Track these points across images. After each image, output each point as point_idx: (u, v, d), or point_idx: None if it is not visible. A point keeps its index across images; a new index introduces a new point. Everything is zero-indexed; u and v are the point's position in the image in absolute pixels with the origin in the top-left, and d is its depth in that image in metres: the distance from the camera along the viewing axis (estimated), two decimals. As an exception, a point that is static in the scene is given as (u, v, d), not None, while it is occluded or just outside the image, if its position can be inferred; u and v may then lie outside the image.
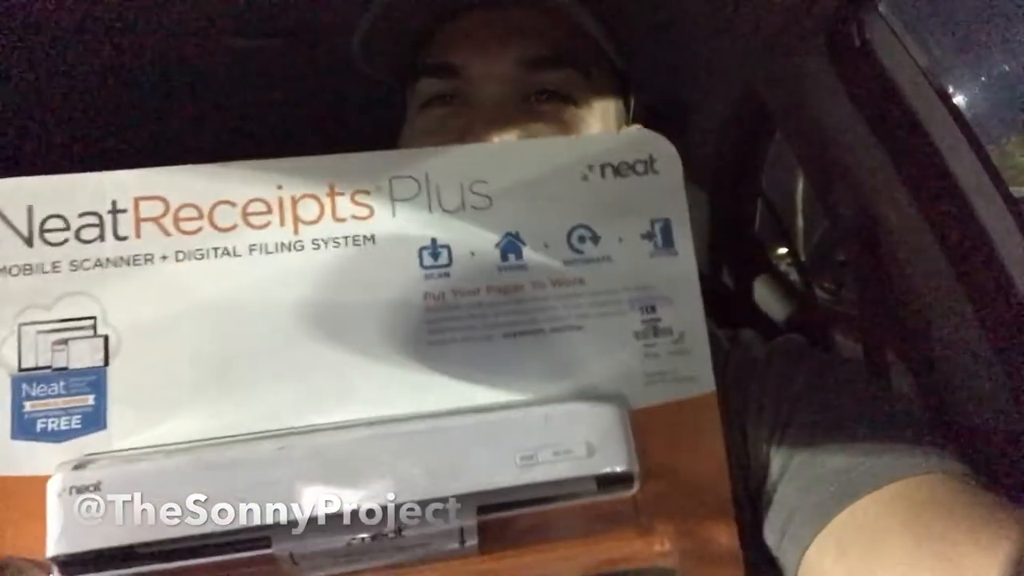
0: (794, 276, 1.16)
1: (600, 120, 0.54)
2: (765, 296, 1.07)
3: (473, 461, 0.33)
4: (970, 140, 0.58)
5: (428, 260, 0.36)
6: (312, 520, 0.31)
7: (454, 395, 0.35)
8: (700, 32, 0.74)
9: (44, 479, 0.32)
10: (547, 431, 0.34)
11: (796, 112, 0.73)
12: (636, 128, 0.50)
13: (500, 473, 0.33)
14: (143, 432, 0.34)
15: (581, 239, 0.38)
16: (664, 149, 0.39)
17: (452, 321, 0.36)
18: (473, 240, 0.37)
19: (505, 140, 0.48)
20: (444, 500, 0.32)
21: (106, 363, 0.34)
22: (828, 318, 1.01)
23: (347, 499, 0.31)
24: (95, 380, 0.34)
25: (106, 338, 0.34)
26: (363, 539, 0.32)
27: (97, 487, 0.31)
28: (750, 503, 0.46)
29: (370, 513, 0.31)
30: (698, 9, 0.69)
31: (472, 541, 0.34)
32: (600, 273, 0.37)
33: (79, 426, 0.33)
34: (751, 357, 0.52)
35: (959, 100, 0.60)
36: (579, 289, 0.37)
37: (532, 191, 0.38)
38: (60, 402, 0.33)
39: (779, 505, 0.44)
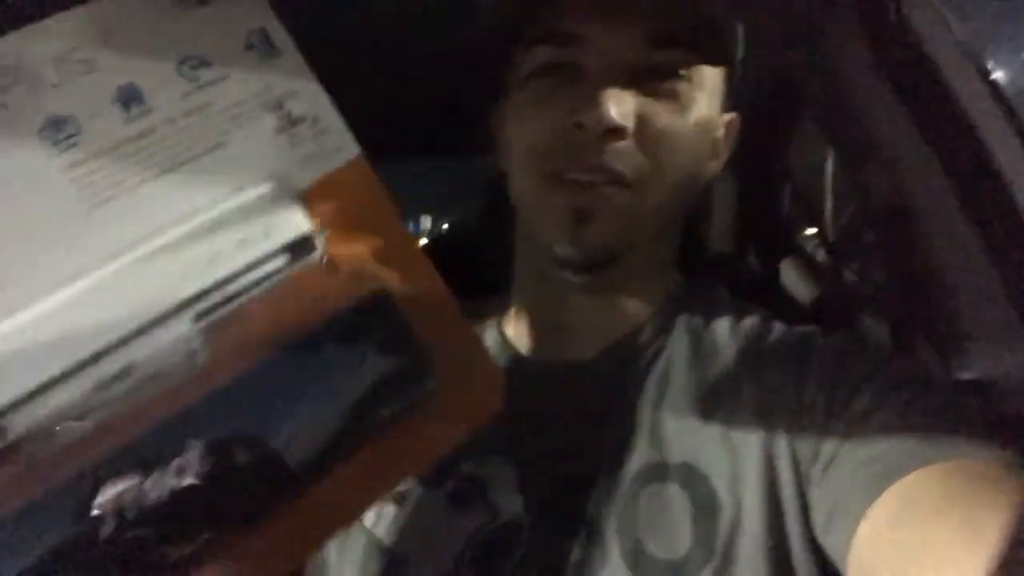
0: (822, 257, 1.14)
1: (709, 96, 0.54)
2: (792, 278, 1.05)
3: (172, 275, 0.35)
4: (1010, 118, 0.56)
5: (54, 136, 0.37)
6: (45, 387, 0.32)
7: (132, 239, 0.36)
8: (723, 6, 0.72)
9: None
10: (224, 231, 0.37)
11: (826, 89, 0.71)
12: None
13: (195, 279, 0.35)
14: None
15: (193, 67, 0.39)
16: None
17: (103, 180, 0.37)
18: (89, 103, 0.37)
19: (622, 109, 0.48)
20: (166, 316, 0.34)
21: None
22: (856, 300, 0.99)
23: (75, 351, 0.33)
24: None
25: None
26: (100, 384, 0.33)
27: None
28: (799, 499, 0.46)
29: (98, 356, 0.33)
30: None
31: (198, 346, 0.35)
32: (222, 92, 0.39)
33: None
34: (811, 345, 0.53)
35: (999, 76, 0.58)
36: (209, 112, 0.39)
37: (129, 41, 0.39)
38: None
39: (827, 488, 0.44)
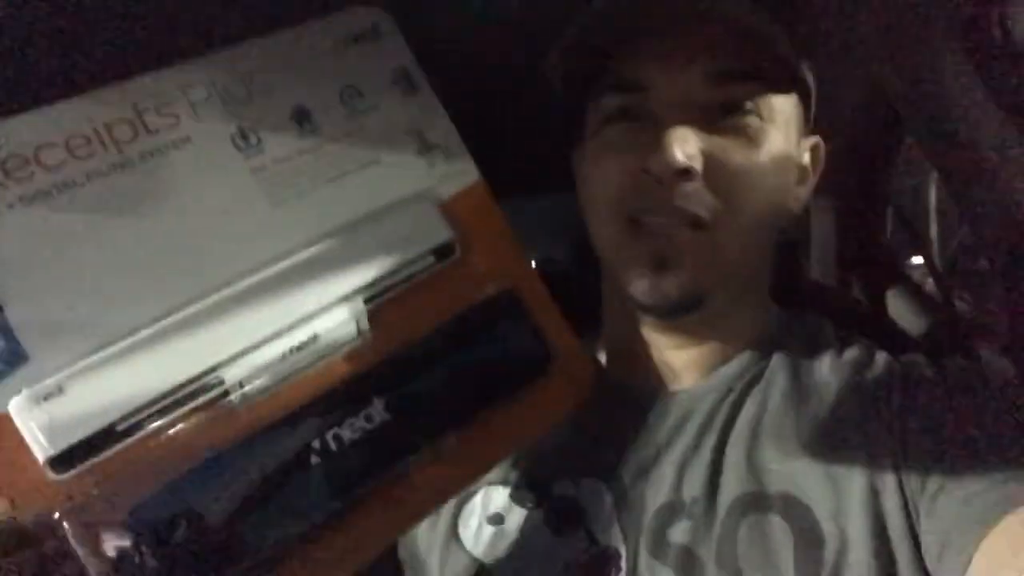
0: (930, 287, 1.09)
1: (783, 131, 0.53)
2: (901, 309, 1.01)
3: (348, 264, 0.43)
4: None
5: (241, 144, 0.44)
6: (250, 348, 0.40)
7: (310, 233, 0.44)
8: (823, 29, 0.71)
9: None
10: (385, 234, 0.45)
11: (930, 111, 0.68)
12: (359, 7, 0.51)
13: (366, 270, 0.43)
14: (63, 348, 0.38)
15: (351, 97, 0.47)
16: (380, 16, 0.49)
17: (282, 183, 0.44)
18: (271, 119, 0.44)
19: (689, 147, 0.49)
20: (341, 300, 0.42)
21: (1, 309, 0.37)
22: (971, 331, 0.94)
23: (268, 322, 0.40)
24: None
25: None
26: (291, 350, 0.41)
27: (60, 390, 0.36)
28: (907, 531, 0.45)
29: (291, 328, 0.41)
30: (823, 6, 0.66)
31: (365, 327, 0.44)
32: (374, 119, 0.47)
33: (3, 366, 0.37)
34: (917, 374, 0.52)
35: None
36: (364, 134, 0.46)
37: (301, 71, 0.46)
38: None
39: (939, 518, 0.43)
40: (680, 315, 0.53)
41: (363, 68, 0.47)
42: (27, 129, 0.39)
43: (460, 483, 0.49)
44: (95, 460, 0.37)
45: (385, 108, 0.47)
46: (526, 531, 0.54)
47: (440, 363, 0.46)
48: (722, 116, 0.51)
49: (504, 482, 0.57)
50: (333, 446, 0.41)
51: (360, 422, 0.42)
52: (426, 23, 0.64)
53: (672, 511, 0.51)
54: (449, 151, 0.49)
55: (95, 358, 0.38)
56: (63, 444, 0.36)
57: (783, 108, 0.53)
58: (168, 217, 0.41)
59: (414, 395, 0.44)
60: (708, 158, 0.50)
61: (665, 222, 0.51)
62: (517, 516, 0.55)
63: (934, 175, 1.09)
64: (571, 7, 0.52)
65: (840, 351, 0.57)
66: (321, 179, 0.45)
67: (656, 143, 0.49)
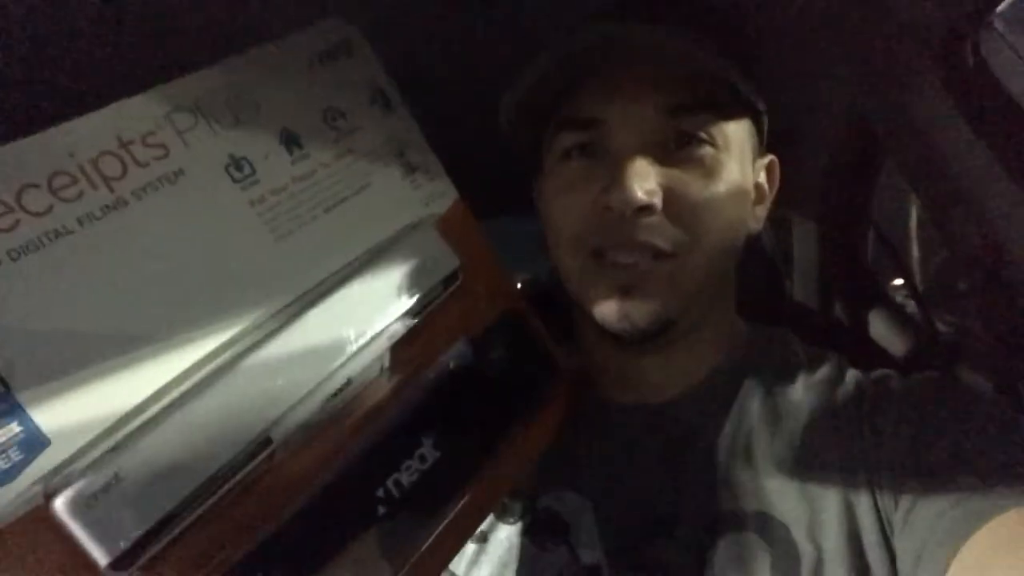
0: (912, 308, 1.10)
1: (738, 158, 0.54)
2: (882, 330, 1.02)
3: (370, 311, 0.42)
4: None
5: (236, 174, 0.41)
6: (296, 405, 0.38)
7: (318, 268, 0.42)
8: (803, 58, 0.72)
9: (24, 521, 0.32)
10: (398, 266, 0.43)
11: (907, 136, 0.69)
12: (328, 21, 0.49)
13: (389, 308, 0.42)
14: (85, 425, 0.34)
15: (334, 118, 0.45)
16: (350, 31, 0.47)
17: (283, 215, 0.42)
18: (260, 144, 0.42)
19: (643, 178, 0.49)
20: (369, 342, 0.41)
21: (8, 388, 0.33)
22: (953, 352, 0.95)
23: (309, 376, 0.39)
24: (9, 407, 0.33)
25: None
26: (328, 398, 0.39)
27: (112, 481, 0.33)
28: (883, 545, 0.46)
29: (330, 376, 0.39)
30: (799, 34, 0.67)
31: (387, 364, 0.43)
32: (359, 141, 0.45)
33: (23, 455, 0.33)
34: (887, 389, 0.53)
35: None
36: (353, 158, 0.45)
37: (282, 91, 0.43)
38: None
39: (912, 532, 0.44)
40: (647, 341, 0.54)
41: (340, 87, 0.46)
42: (2, 169, 0.34)
43: (490, 506, 0.48)
44: (154, 549, 0.34)
45: (367, 128, 0.46)
46: (510, 547, 0.55)
47: (468, 391, 0.46)
48: (677, 147, 0.52)
49: None
50: (396, 493, 0.41)
51: (416, 463, 0.42)
52: (407, 40, 0.64)
53: (653, 529, 0.52)
54: (429, 170, 0.48)
55: (133, 434, 0.34)
56: (125, 543, 0.33)
57: (736, 134, 0.54)
58: (174, 264, 0.38)
59: (457, 426, 0.45)
60: (667, 191, 0.51)
61: (630, 258, 0.52)
62: (501, 533, 0.55)
63: (915, 197, 1.10)
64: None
65: (811, 368, 0.57)
66: (320, 208, 0.43)
67: (615, 179, 0.50)
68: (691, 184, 0.52)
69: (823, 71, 0.74)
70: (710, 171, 0.52)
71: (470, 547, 0.56)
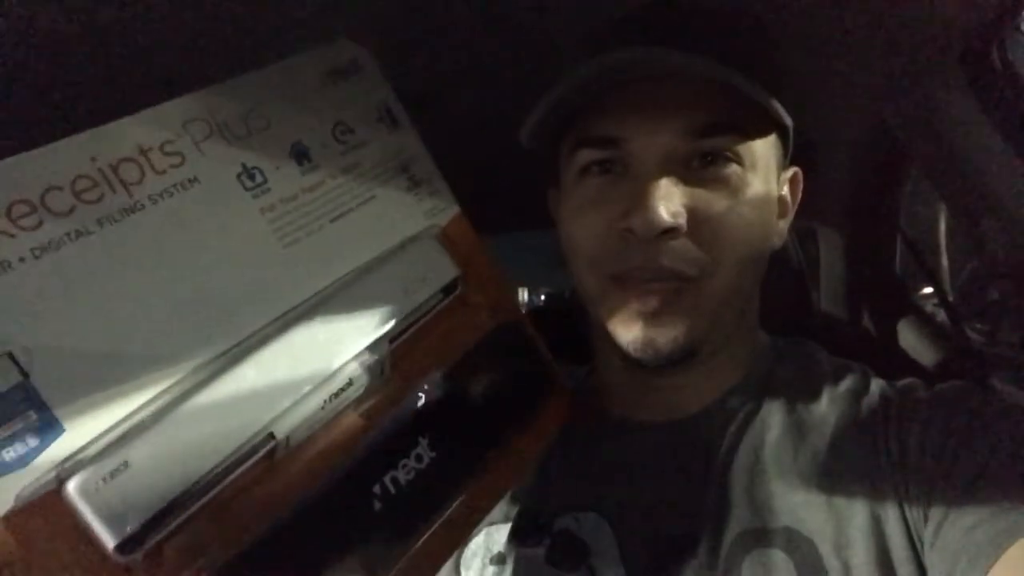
0: (942, 317, 1.08)
1: (764, 175, 0.53)
2: (912, 340, 1.00)
3: (373, 314, 0.43)
4: None
5: (248, 183, 0.43)
6: (299, 402, 0.39)
7: (324, 274, 0.44)
8: (828, 66, 0.72)
9: (38, 504, 0.33)
10: (400, 274, 0.45)
11: (934, 144, 0.69)
12: (339, 41, 0.50)
13: (391, 313, 0.44)
14: (99, 414, 0.36)
15: (343, 133, 0.47)
16: (359, 51, 0.48)
17: (291, 223, 0.43)
18: (272, 156, 0.44)
19: (667, 203, 0.49)
20: (372, 344, 0.43)
21: (25, 376, 0.34)
22: (984, 361, 0.93)
23: (313, 375, 0.40)
24: (26, 395, 0.34)
25: (9, 354, 0.35)
26: (330, 397, 0.40)
27: (122, 466, 0.34)
28: (912, 561, 0.45)
29: (332, 375, 0.41)
30: (825, 42, 0.66)
31: (388, 367, 0.44)
32: (366, 154, 0.47)
33: (39, 441, 0.34)
34: (914, 399, 0.51)
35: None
36: (360, 171, 0.47)
37: (294, 107, 0.45)
38: (5, 431, 0.34)
39: (943, 548, 0.43)
40: (671, 367, 0.53)
41: (350, 104, 0.47)
42: (29, 172, 0.36)
43: (484, 511, 0.49)
44: (159, 535, 0.35)
45: (374, 143, 0.48)
46: (529, 569, 0.54)
47: (467, 395, 0.47)
48: (701, 166, 0.51)
49: (506, 519, 0.56)
50: (392, 489, 0.42)
51: (412, 462, 0.43)
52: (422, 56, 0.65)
53: (674, 546, 0.51)
54: (432, 185, 0.50)
55: (143, 423, 0.36)
56: (132, 527, 0.34)
57: (763, 151, 0.53)
58: (186, 264, 0.40)
59: (452, 430, 0.46)
60: (692, 212, 0.49)
61: (652, 284, 0.51)
62: (520, 554, 0.55)
63: (943, 205, 1.09)
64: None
65: (835, 379, 0.56)
66: (326, 218, 0.45)
67: (636, 199, 0.49)
68: (716, 204, 0.50)
69: (847, 79, 0.74)
70: (735, 190, 0.51)
71: (490, 570, 0.55)
